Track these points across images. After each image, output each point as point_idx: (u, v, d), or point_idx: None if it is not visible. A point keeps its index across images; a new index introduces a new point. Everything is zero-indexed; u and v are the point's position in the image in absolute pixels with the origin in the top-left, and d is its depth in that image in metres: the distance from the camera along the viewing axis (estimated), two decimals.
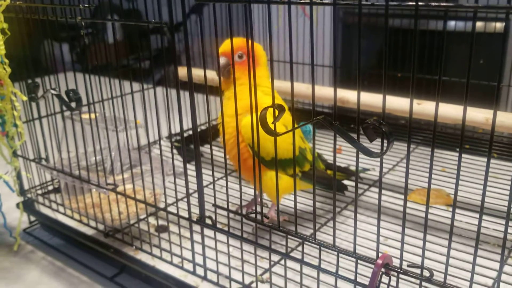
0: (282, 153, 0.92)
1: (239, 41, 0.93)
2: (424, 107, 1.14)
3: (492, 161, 1.32)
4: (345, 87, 1.30)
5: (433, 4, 0.55)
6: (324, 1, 0.60)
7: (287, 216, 1.11)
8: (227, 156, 1.01)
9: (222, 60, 0.95)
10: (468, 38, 0.52)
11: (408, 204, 1.11)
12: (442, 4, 0.54)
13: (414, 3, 0.54)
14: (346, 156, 1.39)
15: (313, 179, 0.71)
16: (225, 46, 0.96)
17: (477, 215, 1.06)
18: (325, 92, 1.35)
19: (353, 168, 1.26)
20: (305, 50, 1.65)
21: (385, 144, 0.58)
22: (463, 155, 1.32)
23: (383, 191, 1.02)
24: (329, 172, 1.10)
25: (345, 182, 1.19)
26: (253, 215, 0.78)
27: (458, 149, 1.39)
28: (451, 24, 1.58)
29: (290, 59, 0.65)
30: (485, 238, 1.01)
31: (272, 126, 0.66)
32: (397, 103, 1.18)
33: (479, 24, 1.59)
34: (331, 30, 1.74)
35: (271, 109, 0.66)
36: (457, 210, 1.08)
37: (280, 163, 0.96)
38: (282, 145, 0.83)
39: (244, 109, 0.88)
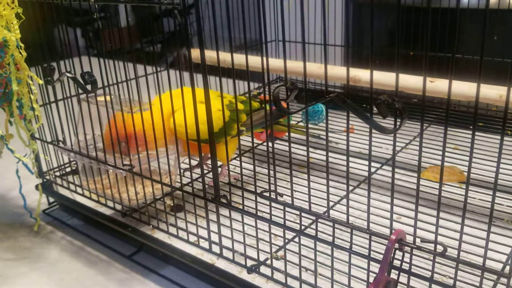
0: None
1: (121, 132, 0.96)
2: (437, 85, 1.14)
3: (506, 138, 1.32)
4: (356, 66, 1.29)
5: None
6: None
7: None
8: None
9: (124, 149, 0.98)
10: (481, 15, 0.52)
11: (422, 182, 1.11)
12: None
13: None
14: (359, 135, 1.39)
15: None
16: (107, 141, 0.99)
17: (491, 192, 1.07)
18: (337, 71, 1.34)
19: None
20: (316, 29, 1.64)
21: (398, 121, 0.58)
22: (476, 133, 1.31)
23: (396, 170, 1.03)
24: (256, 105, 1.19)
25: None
26: (267, 194, 0.80)
27: (471, 127, 1.40)
28: (464, 1, 1.56)
29: (302, 39, 0.65)
30: (498, 214, 1.01)
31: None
32: (410, 81, 1.17)
33: (492, 0, 1.56)
34: (343, 9, 1.72)
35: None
36: (470, 188, 1.08)
37: (218, 135, 1.03)
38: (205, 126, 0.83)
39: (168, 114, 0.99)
